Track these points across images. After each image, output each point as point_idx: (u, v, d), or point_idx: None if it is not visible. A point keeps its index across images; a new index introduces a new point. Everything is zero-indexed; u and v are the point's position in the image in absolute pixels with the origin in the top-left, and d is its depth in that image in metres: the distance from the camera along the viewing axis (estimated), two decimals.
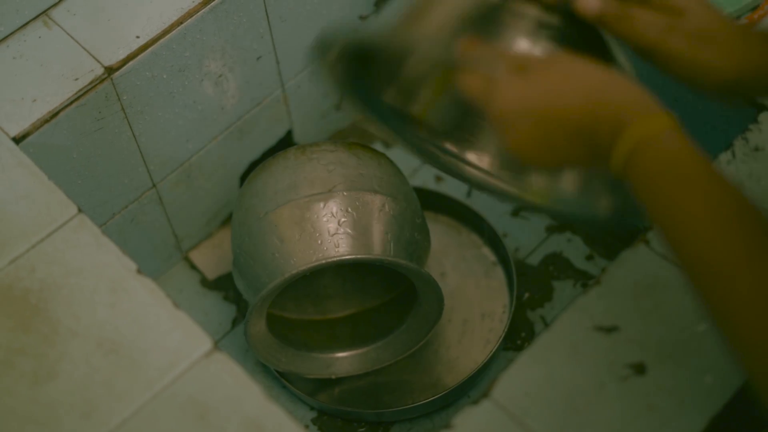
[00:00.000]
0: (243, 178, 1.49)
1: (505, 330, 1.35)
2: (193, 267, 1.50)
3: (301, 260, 1.20)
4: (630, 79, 0.80)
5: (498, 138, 0.82)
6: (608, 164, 0.77)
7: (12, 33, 1.20)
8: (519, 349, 1.38)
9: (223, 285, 1.48)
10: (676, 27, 0.84)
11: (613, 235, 1.42)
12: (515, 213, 1.51)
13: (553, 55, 0.84)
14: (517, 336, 1.40)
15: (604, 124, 0.76)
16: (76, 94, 1.16)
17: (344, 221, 1.21)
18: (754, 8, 1.14)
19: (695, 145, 0.75)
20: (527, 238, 1.49)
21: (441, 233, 1.49)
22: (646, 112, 0.76)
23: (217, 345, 0.97)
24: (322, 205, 1.21)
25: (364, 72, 0.92)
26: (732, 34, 0.85)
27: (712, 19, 0.85)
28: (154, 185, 1.34)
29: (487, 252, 1.47)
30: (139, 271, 1.01)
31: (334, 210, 1.21)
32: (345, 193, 1.22)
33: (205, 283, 1.49)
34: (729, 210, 0.72)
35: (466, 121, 0.90)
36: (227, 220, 1.53)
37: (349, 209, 1.22)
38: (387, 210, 1.24)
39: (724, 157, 1.04)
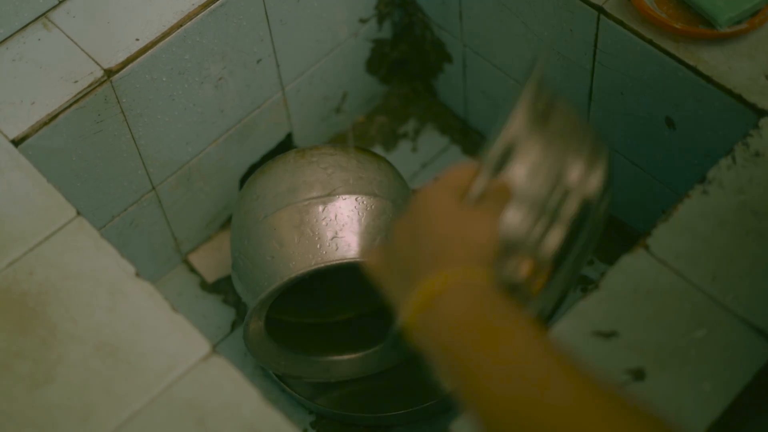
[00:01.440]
0: (243, 181, 1.49)
1: None
2: (193, 270, 1.50)
3: (300, 264, 1.19)
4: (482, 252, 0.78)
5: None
6: (407, 303, 0.76)
7: (11, 35, 1.20)
8: None
9: (222, 288, 1.48)
10: None
11: (614, 239, 1.42)
12: None
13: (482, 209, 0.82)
14: None
15: (424, 261, 0.77)
16: (75, 96, 1.16)
17: (344, 224, 1.21)
18: (755, 13, 1.14)
19: (501, 298, 0.74)
20: None
21: None
22: (460, 265, 0.75)
23: (215, 348, 0.97)
24: (321, 208, 1.21)
25: None
26: None
27: None
28: (153, 188, 1.34)
29: None
30: (137, 275, 1.01)
31: (334, 213, 1.21)
32: (344, 197, 1.22)
33: (204, 286, 1.48)
34: (533, 364, 0.70)
35: None
36: (227, 223, 1.52)
37: (349, 212, 1.22)
38: (387, 213, 1.23)
39: (725, 162, 1.04)
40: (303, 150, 1.29)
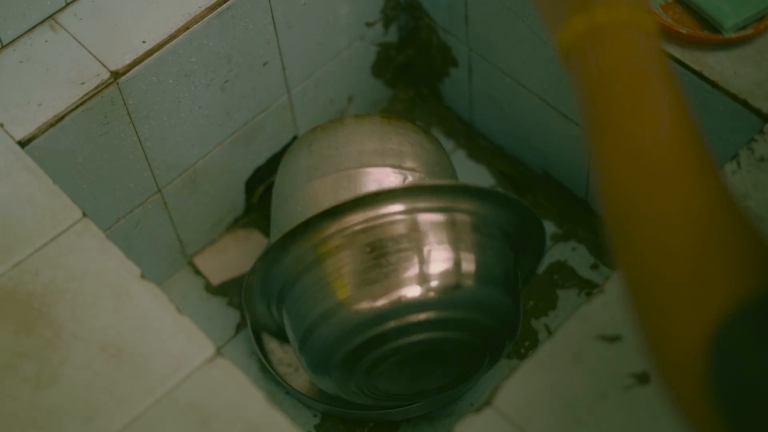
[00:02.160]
0: (248, 183, 1.49)
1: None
2: (198, 272, 1.50)
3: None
4: None
5: None
6: (560, 32, 0.73)
7: (18, 37, 1.20)
8: (523, 357, 1.38)
9: (227, 291, 1.48)
10: None
11: None
12: None
13: None
14: (521, 344, 1.40)
15: None
16: (81, 98, 1.16)
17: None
18: (760, 19, 1.14)
19: (664, 53, 0.71)
20: None
21: None
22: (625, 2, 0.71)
23: (220, 351, 0.97)
24: (402, 179, 1.24)
25: None
26: None
27: None
28: (159, 190, 1.35)
29: None
30: (142, 276, 1.01)
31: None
32: (422, 176, 1.25)
33: (210, 288, 1.49)
34: (673, 121, 0.68)
35: None
36: (232, 226, 1.53)
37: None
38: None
39: (730, 167, 1.04)
40: (388, 117, 1.31)
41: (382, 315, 1.14)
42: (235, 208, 1.51)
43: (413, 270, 1.14)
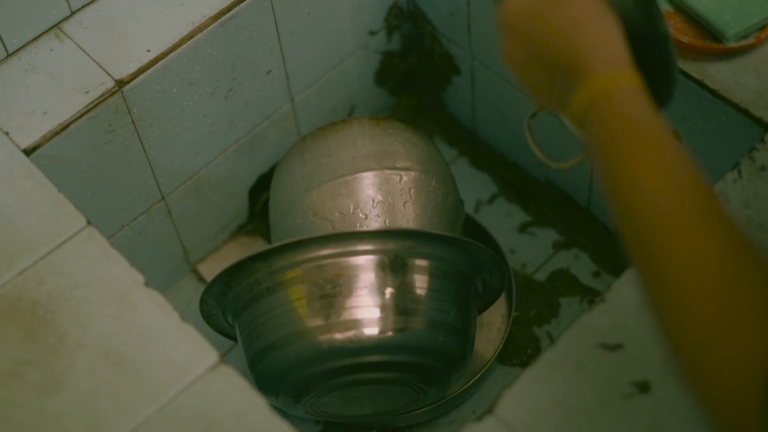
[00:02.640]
0: (252, 191, 1.50)
1: (503, 340, 1.36)
2: (201, 279, 1.50)
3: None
4: (615, 30, 0.79)
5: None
6: (568, 109, 0.78)
7: (24, 45, 1.21)
8: (525, 365, 1.38)
9: None
10: None
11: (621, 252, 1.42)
12: (522, 229, 1.51)
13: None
14: (523, 352, 1.40)
15: (571, 67, 0.77)
16: (86, 106, 1.17)
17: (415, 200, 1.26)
18: (762, 28, 1.15)
19: (655, 108, 0.75)
20: (534, 254, 1.49)
21: None
22: (612, 66, 0.76)
23: (223, 358, 0.97)
24: (398, 178, 1.26)
25: None
26: None
27: None
28: (163, 198, 1.35)
29: None
30: (146, 284, 1.02)
31: (408, 188, 1.25)
32: (420, 174, 1.27)
33: None
34: (682, 174, 0.71)
35: None
36: (235, 233, 1.53)
37: (420, 189, 1.27)
38: (449, 201, 1.28)
39: (731, 176, 1.04)
40: (377, 118, 1.33)
41: (331, 353, 1.16)
42: (239, 215, 1.52)
43: (366, 312, 1.16)
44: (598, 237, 1.47)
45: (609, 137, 0.73)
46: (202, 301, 1.23)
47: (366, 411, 1.28)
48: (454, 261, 1.20)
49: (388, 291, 1.16)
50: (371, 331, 1.16)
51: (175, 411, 0.95)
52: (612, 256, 1.46)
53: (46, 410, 0.95)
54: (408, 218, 1.25)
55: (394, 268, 1.17)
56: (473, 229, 1.48)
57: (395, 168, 1.26)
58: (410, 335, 1.16)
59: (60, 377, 0.97)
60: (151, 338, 0.99)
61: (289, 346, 1.17)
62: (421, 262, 1.18)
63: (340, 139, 1.29)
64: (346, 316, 1.15)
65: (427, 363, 1.19)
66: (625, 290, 0.99)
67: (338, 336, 1.15)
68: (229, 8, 1.24)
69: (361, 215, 1.23)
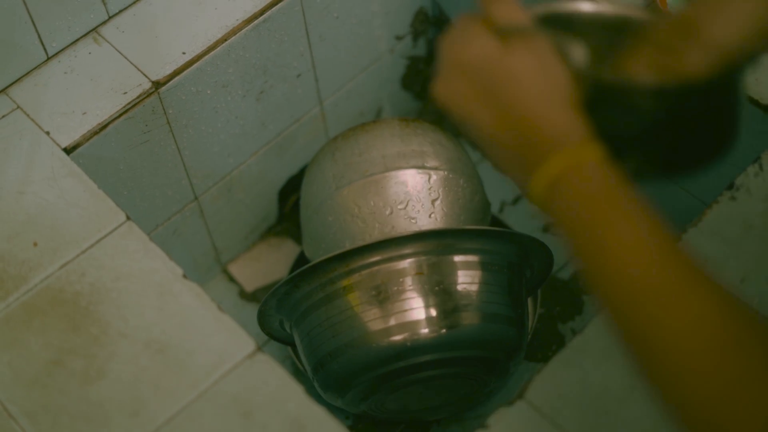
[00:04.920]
0: (281, 193, 1.53)
1: (529, 336, 1.38)
2: (232, 279, 1.53)
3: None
4: (569, 104, 0.75)
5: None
6: (528, 189, 0.75)
7: (63, 49, 1.25)
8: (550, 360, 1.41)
9: (260, 298, 1.51)
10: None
11: None
12: (546, 229, 1.54)
13: (533, 46, 0.76)
14: (548, 348, 1.43)
15: (536, 138, 0.74)
16: (124, 107, 1.20)
17: (440, 198, 1.28)
18: None
19: (622, 177, 0.72)
20: (558, 253, 1.51)
21: None
22: (573, 142, 0.73)
23: (260, 347, 1.00)
24: (426, 178, 1.28)
25: None
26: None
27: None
28: (196, 198, 1.38)
29: None
30: (185, 276, 1.05)
31: (437, 188, 1.28)
32: (448, 173, 1.29)
33: (244, 295, 1.52)
34: (665, 243, 0.69)
35: None
36: (265, 234, 1.56)
37: (447, 188, 1.29)
38: (477, 201, 1.31)
39: (752, 169, 1.07)
40: (406, 119, 1.35)
41: (389, 356, 1.19)
42: (269, 216, 1.55)
43: (419, 313, 1.18)
44: None
45: (583, 211, 0.71)
46: (261, 314, 1.26)
47: (430, 404, 1.30)
48: (502, 253, 1.22)
49: (441, 289, 1.18)
50: (427, 330, 1.18)
51: (214, 397, 0.98)
52: None
53: (90, 397, 0.98)
54: (437, 216, 1.28)
55: (443, 267, 1.19)
56: (498, 227, 1.51)
57: (424, 167, 1.29)
58: (465, 330, 1.18)
59: (103, 365, 1.00)
60: (191, 328, 1.02)
61: (351, 351, 1.19)
62: (469, 258, 1.20)
63: (371, 139, 1.32)
64: (402, 318, 1.18)
65: (485, 355, 1.21)
66: None
67: (396, 338, 1.18)
68: (261, 12, 1.27)
69: (391, 213, 1.26)
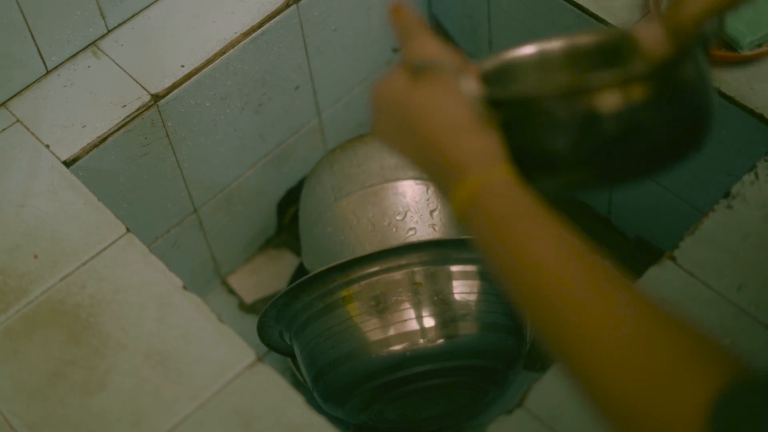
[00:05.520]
0: (280, 204, 1.54)
1: (528, 346, 1.38)
2: (231, 291, 1.54)
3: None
4: (475, 129, 0.77)
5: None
6: (450, 203, 0.78)
7: (63, 62, 1.25)
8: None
9: (260, 309, 1.51)
10: None
11: (640, 259, 1.45)
12: None
13: (437, 80, 0.79)
14: (547, 358, 1.42)
15: (443, 165, 0.77)
16: (123, 120, 1.21)
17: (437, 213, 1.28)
18: None
19: (533, 193, 0.74)
20: None
21: None
22: (480, 165, 0.75)
23: (260, 357, 1.01)
24: (426, 189, 1.29)
25: None
26: None
27: None
28: (195, 210, 1.39)
29: None
30: (185, 288, 1.06)
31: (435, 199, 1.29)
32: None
33: (243, 306, 1.53)
34: (578, 249, 0.71)
35: None
36: (264, 246, 1.57)
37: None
38: None
39: (748, 178, 1.08)
40: None
41: (389, 366, 1.19)
42: (268, 228, 1.55)
43: (417, 323, 1.18)
44: (618, 246, 1.50)
45: (495, 229, 0.74)
46: (261, 325, 1.26)
47: (429, 414, 1.31)
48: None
49: (439, 299, 1.19)
50: (426, 340, 1.18)
51: (215, 408, 0.98)
52: (631, 265, 1.48)
53: (91, 408, 0.99)
54: (435, 227, 1.28)
55: (440, 277, 1.19)
56: None
57: (423, 178, 1.30)
58: (464, 340, 1.19)
59: (103, 377, 1.00)
60: (191, 339, 1.03)
61: (351, 362, 1.20)
62: (467, 268, 1.21)
63: (369, 150, 1.33)
64: (401, 328, 1.18)
65: (484, 364, 1.22)
66: (647, 288, 1.02)
67: (396, 348, 1.18)
68: (259, 25, 1.28)
69: (389, 224, 1.27)
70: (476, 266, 1.20)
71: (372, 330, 1.19)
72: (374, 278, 1.19)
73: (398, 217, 1.27)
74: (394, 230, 1.27)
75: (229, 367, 1.00)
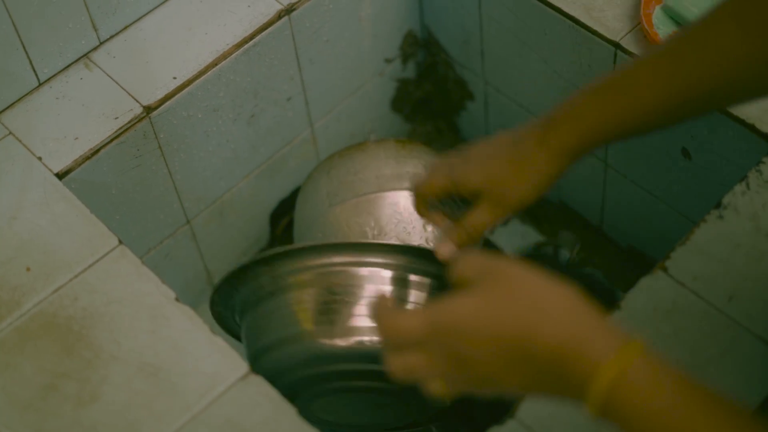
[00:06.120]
0: (273, 216, 1.54)
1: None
2: None
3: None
4: (588, 305, 0.71)
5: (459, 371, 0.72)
6: (584, 403, 0.69)
7: (55, 74, 1.26)
8: None
9: None
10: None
11: (633, 269, 1.46)
12: (537, 247, 1.54)
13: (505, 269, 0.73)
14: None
15: (574, 361, 0.68)
16: (115, 132, 1.21)
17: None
18: None
19: (669, 365, 0.67)
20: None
21: None
22: (615, 347, 0.67)
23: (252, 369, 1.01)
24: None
25: None
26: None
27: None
28: (188, 221, 1.39)
29: None
30: (177, 299, 1.06)
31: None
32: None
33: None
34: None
35: None
36: None
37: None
38: None
39: (739, 188, 1.08)
40: (402, 141, 1.36)
41: (323, 356, 1.17)
42: (260, 240, 1.55)
43: (365, 321, 1.16)
44: (611, 255, 1.50)
45: (642, 420, 0.66)
46: (212, 303, 1.26)
47: (359, 421, 1.28)
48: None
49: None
50: (367, 339, 1.17)
51: (207, 420, 0.98)
52: (624, 274, 1.49)
53: (83, 421, 0.99)
54: (426, 239, 1.28)
55: (396, 282, 1.18)
56: (487, 247, 1.52)
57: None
58: None
59: (96, 389, 1.00)
60: (183, 351, 1.03)
61: (285, 348, 1.18)
62: (423, 280, 1.20)
63: (366, 159, 1.33)
64: (345, 323, 1.16)
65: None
66: (639, 298, 1.02)
67: (336, 341, 1.16)
68: (251, 36, 1.28)
69: (381, 233, 1.27)
70: (432, 281, 1.19)
71: (314, 319, 1.16)
72: (325, 270, 1.17)
73: (391, 226, 1.27)
74: (384, 237, 1.27)
75: (221, 379, 1.00)
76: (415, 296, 1.19)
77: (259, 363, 1.22)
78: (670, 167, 1.28)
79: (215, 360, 1.02)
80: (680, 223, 1.33)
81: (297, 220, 1.37)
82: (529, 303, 0.70)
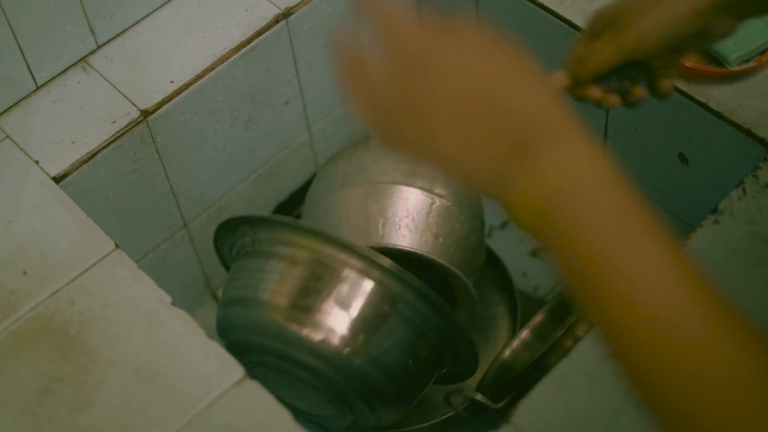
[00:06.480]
0: None
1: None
2: None
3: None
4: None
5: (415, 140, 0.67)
6: (523, 186, 0.63)
7: (52, 78, 1.26)
8: None
9: None
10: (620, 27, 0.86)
11: None
12: (534, 253, 1.55)
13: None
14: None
15: (541, 130, 0.63)
16: (113, 136, 1.21)
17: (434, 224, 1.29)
18: (763, 52, 1.18)
19: (627, 186, 0.63)
20: (546, 277, 1.52)
21: None
22: (565, 137, 0.63)
23: (248, 373, 1.01)
24: (429, 201, 1.30)
25: None
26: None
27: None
28: (185, 225, 1.39)
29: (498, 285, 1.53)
30: (173, 304, 1.06)
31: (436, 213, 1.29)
32: (450, 204, 1.31)
33: None
34: (682, 275, 0.61)
35: None
36: None
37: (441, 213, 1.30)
38: (472, 240, 1.33)
39: (735, 193, 1.08)
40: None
41: (294, 342, 1.17)
42: None
43: (329, 319, 1.16)
44: None
45: (585, 236, 0.61)
46: (215, 237, 1.27)
47: (300, 405, 1.28)
48: (430, 323, 1.18)
49: (354, 310, 1.16)
50: (318, 335, 1.16)
51: (203, 424, 0.98)
52: None
53: (79, 425, 0.99)
54: (426, 242, 1.28)
55: (376, 298, 1.18)
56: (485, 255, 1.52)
57: (431, 192, 1.30)
58: (351, 360, 1.16)
59: (92, 393, 1.00)
60: (179, 355, 1.03)
61: (252, 310, 1.18)
62: (405, 312, 1.18)
63: (389, 152, 1.33)
64: (319, 317, 1.17)
65: (352, 392, 1.19)
66: None
67: (305, 332, 1.16)
68: (249, 40, 1.28)
69: (382, 225, 1.27)
70: (411, 313, 1.17)
71: (295, 299, 1.17)
72: (328, 260, 1.17)
73: (394, 221, 1.27)
74: (385, 231, 1.27)
75: (217, 383, 1.00)
76: (378, 312, 1.17)
77: (225, 309, 1.22)
78: (667, 172, 1.28)
79: (211, 364, 1.02)
80: (677, 227, 1.32)
81: (308, 197, 1.38)
82: (524, 71, 0.67)
